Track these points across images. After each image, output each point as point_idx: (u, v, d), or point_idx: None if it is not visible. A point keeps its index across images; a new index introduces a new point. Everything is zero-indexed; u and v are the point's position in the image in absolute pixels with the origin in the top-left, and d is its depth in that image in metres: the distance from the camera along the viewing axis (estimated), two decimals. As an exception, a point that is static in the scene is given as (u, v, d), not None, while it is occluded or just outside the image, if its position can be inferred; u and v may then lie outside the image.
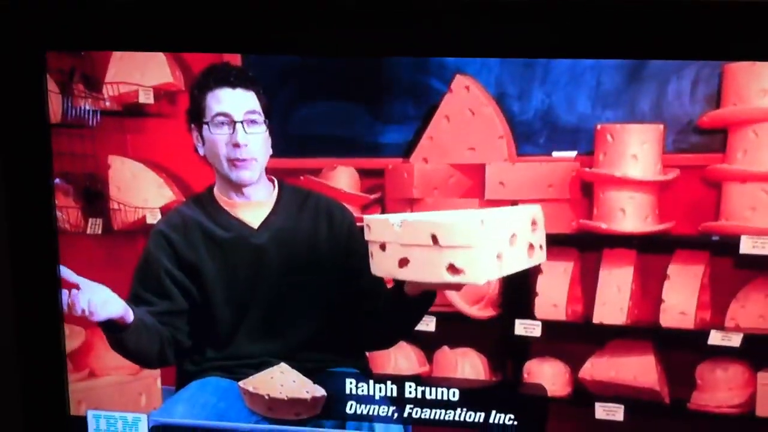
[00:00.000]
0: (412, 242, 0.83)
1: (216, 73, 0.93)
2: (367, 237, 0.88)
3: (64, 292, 0.91)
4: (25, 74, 0.94)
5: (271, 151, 0.96)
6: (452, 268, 0.82)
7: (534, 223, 0.89)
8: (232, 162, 0.94)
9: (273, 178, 0.98)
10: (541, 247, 0.90)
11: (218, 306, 0.96)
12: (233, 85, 0.93)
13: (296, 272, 0.96)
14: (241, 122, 0.93)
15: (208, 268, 0.96)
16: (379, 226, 0.86)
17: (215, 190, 0.98)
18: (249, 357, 0.98)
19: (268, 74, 0.94)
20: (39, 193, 0.97)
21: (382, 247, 0.86)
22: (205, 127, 0.94)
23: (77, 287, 0.89)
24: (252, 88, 0.94)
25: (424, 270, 0.83)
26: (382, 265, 0.87)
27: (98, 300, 0.89)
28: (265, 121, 0.95)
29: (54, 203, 0.97)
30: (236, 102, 0.93)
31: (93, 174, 0.98)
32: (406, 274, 0.85)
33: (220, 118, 0.93)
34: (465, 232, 0.81)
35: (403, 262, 0.85)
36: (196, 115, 0.95)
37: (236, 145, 0.93)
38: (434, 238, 0.82)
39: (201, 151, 0.96)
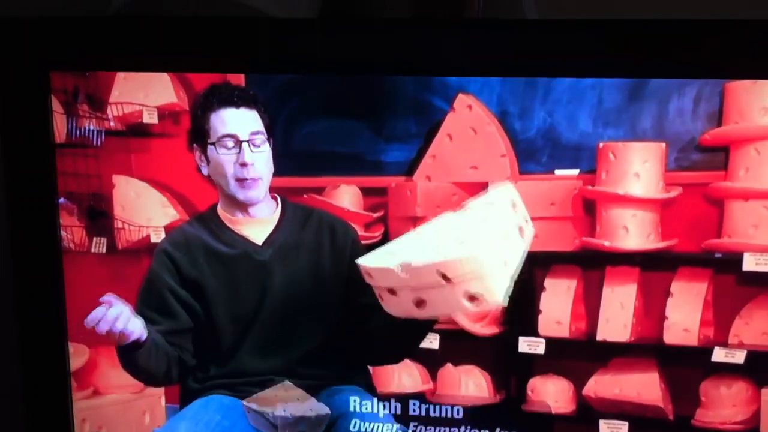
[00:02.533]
0: (423, 285, 0.83)
1: (219, 93, 0.94)
2: (369, 282, 0.87)
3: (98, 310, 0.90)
4: (29, 94, 0.95)
5: (273, 169, 0.96)
6: (471, 298, 0.82)
7: (514, 205, 0.87)
8: (240, 181, 0.94)
9: (276, 195, 0.98)
10: (526, 221, 0.88)
11: (222, 323, 0.96)
12: (237, 105, 0.94)
13: (300, 288, 0.96)
14: (247, 142, 0.94)
15: (211, 285, 0.96)
16: (380, 274, 0.86)
17: (219, 208, 0.98)
18: (252, 374, 0.98)
19: (270, 92, 0.95)
20: (43, 212, 0.97)
21: (392, 291, 0.86)
22: (210, 147, 0.95)
23: (109, 303, 0.90)
24: (255, 106, 0.94)
25: (444, 306, 0.84)
26: (399, 307, 0.87)
27: (126, 315, 0.90)
28: (268, 140, 0.95)
29: (58, 222, 0.98)
30: (241, 122, 0.94)
31: (97, 193, 0.98)
32: (427, 313, 0.85)
33: (227, 140, 0.94)
34: (473, 263, 0.80)
35: (420, 303, 0.85)
36: (200, 136, 0.95)
37: (243, 165, 0.94)
38: (444, 277, 0.81)
39: (205, 171, 0.97)
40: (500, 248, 0.83)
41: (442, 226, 0.90)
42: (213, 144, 0.94)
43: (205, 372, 0.99)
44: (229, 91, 0.94)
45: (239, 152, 0.94)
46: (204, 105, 0.94)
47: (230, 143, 0.94)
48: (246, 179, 0.94)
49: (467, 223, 0.88)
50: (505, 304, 0.82)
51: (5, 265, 0.98)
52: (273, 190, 0.97)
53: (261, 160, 0.94)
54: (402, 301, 0.86)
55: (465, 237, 0.83)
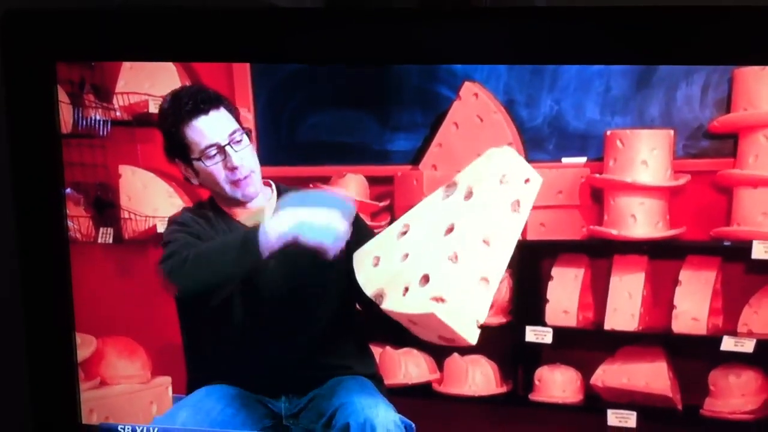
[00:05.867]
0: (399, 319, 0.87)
1: (183, 104, 0.92)
2: None
3: None
4: (36, 85, 0.94)
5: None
6: (445, 339, 0.84)
7: (503, 177, 0.86)
8: (234, 183, 0.94)
9: (270, 182, 0.98)
10: (526, 180, 0.87)
11: (232, 306, 0.96)
12: (206, 111, 0.92)
13: (301, 269, 0.95)
14: (229, 144, 0.93)
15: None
16: None
17: (216, 198, 0.97)
18: (257, 362, 0.97)
19: (276, 83, 0.94)
20: (50, 202, 0.97)
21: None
22: (197, 162, 0.93)
23: None
24: (220, 105, 0.93)
25: (428, 338, 0.87)
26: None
27: None
28: (244, 133, 0.94)
29: (65, 213, 0.98)
30: (216, 127, 0.92)
31: (104, 184, 0.98)
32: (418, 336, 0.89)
33: (210, 150, 0.92)
34: (434, 322, 0.83)
35: (411, 326, 0.88)
36: (181, 153, 0.94)
37: (233, 169, 0.93)
38: (414, 323, 0.85)
39: (195, 182, 0.96)
40: (475, 270, 0.84)
41: (420, 236, 0.89)
42: (198, 159, 0.93)
43: (209, 360, 0.98)
44: (192, 99, 0.91)
45: (225, 157, 0.92)
46: (173, 119, 0.92)
47: (213, 152, 0.92)
48: (240, 179, 0.93)
49: (439, 249, 0.86)
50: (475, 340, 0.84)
51: (12, 255, 0.98)
52: (279, 180, 0.97)
53: (247, 156, 0.93)
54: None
55: (434, 275, 0.84)
